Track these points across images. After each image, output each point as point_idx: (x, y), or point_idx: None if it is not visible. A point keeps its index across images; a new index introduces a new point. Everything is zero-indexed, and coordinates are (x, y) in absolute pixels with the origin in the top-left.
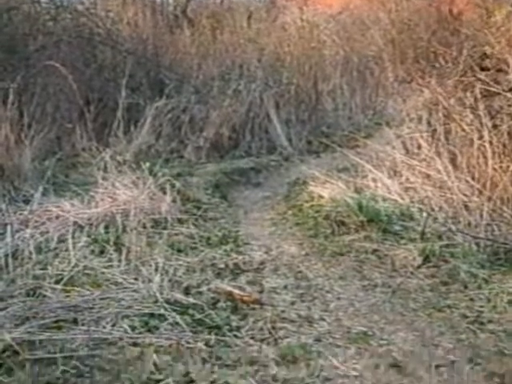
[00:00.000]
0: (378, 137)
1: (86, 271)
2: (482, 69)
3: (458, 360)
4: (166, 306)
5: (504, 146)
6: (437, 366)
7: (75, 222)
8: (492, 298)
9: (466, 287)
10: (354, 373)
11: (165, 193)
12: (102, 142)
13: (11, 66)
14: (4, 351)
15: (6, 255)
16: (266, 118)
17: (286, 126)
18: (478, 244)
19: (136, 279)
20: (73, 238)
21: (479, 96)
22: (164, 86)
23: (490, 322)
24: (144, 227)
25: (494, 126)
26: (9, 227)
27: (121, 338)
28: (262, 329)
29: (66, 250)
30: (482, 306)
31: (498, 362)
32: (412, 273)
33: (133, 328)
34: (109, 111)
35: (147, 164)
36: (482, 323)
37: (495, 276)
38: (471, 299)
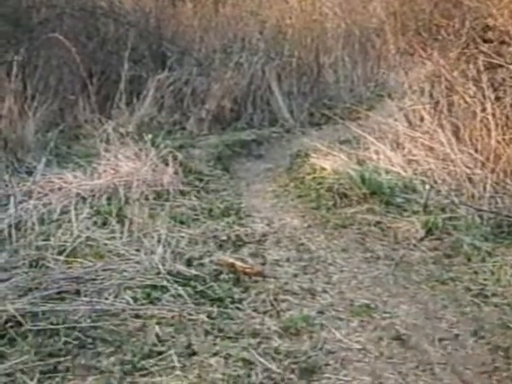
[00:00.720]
0: (379, 109)
1: (89, 242)
2: (485, 41)
3: (462, 333)
4: (169, 277)
5: (507, 117)
6: (440, 339)
7: (78, 194)
8: (496, 271)
9: (469, 260)
10: (357, 346)
11: (167, 165)
12: (105, 114)
13: (15, 39)
14: (7, 322)
15: (10, 226)
16: (267, 90)
17: (288, 98)
18: (481, 216)
19: (138, 251)
20: (75, 209)
21: (482, 68)
22: (166, 59)
23: (493, 295)
24: (146, 199)
25: (497, 98)
26: (12, 198)
27: (123, 310)
28: (264, 301)
29: (69, 221)
30: (485, 279)
31: (502, 335)
32: (415, 245)
33: (135, 299)
34: (111, 83)
35: (149, 136)
36: (485, 296)
37: (499, 249)
38: (475, 272)
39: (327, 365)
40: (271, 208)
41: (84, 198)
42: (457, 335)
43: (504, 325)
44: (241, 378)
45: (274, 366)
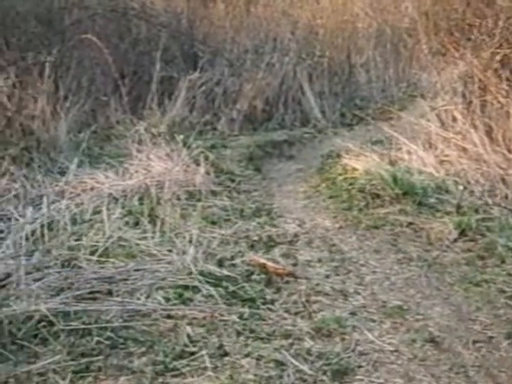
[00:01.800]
0: (412, 109)
1: (121, 243)
2: None
3: (496, 335)
4: (200, 278)
5: None
6: (474, 342)
7: (110, 194)
8: None
9: (503, 261)
10: (390, 347)
11: (198, 165)
12: (137, 115)
13: (47, 40)
14: (39, 322)
15: (42, 226)
16: (299, 90)
17: (320, 98)
18: None
19: (170, 251)
20: (107, 209)
21: None
22: (198, 59)
23: None
24: (178, 199)
25: None
26: (45, 198)
27: (155, 310)
28: (296, 302)
29: (101, 221)
30: None
31: None
32: (448, 246)
33: (167, 300)
34: (143, 84)
35: (181, 136)
36: None
37: None
38: (509, 274)
39: (359, 367)
40: (303, 208)
41: (116, 198)
42: (491, 337)
43: None
44: (272, 379)
45: (306, 368)
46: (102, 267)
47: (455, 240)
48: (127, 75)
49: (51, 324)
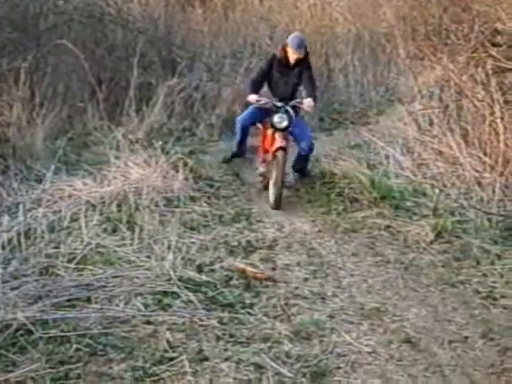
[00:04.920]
0: (389, 113)
1: (99, 250)
2: (494, 45)
3: (471, 335)
4: (179, 283)
5: None
6: (450, 342)
7: (87, 201)
8: (505, 274)
9: (478, 263)
10: (368, 349)
11: (177, 171)
12: (114, 121)
13: (22, 46)
14: (17, 330)
15: (19, 234)
16: None
17: None
18: (490, 220)
19: (149, 257)
20: (85, 216)
21: (491, 72)
22: (176, 65)
23: (502, 297)
24: (156, 205)
25: (506, 102)
26: (21, 206)
27: (134, 316)
28: (275, 306)
29: (79, 228)
30: (494, 282)
31: (511, 336)
32: (424, 248)
33: (146, 306)
34: (120, 90)
35: (159, 142)
36: (494, 299)
37: (508, 252)
38: (484, 275)
39: (338, 368)
40: (282, 213)
41: (94, 206)
42: (466, 337)
43: None
44: (252, 382)
45: (285, 370)
46: (81, 274)
47: (431, 242)
48: (104, 81)
49: (29, 332)
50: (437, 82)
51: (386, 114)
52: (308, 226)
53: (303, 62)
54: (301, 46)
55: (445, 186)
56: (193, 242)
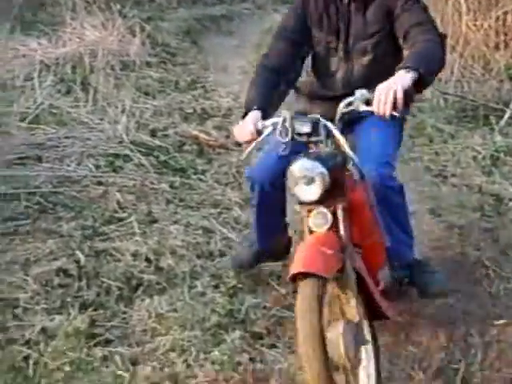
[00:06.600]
0: None
1: (52, 110)
2: None
3: (420, 211)
4: (132, 147)
5: (479, 2)
6: None
7: (42, 61)
8: (456, 153)
9: (431, 141)
10: None
11: (134, 36)
12: None
13: None
14: None
15: None
16: None
17: None
18: (446, 100)
19: (102, 120)
20: (39, 76)
21: None
22: None
23: (453, 175)
24: (112, 69)
25: None
26: None
27: (85, 177)
28: (226, 173)
29: (32, 88)
30: (446, 161)
31: (458, 214)
32: None
33: (97, 167)
34: None
35: (117, 5)
36: (445, 177)
37: (461, 132)
38: (436, 153)
39: None
40: (238, 83)
41: (48, 66)
42: (414, 212)
43: (461, 204)
44: (200, 244)
45: (233, 235)
46: (33, 134)
47: None
48: None
49: None
50: None
51: None
52: None
53: None
54: None
55: None
56: (147, 108)
